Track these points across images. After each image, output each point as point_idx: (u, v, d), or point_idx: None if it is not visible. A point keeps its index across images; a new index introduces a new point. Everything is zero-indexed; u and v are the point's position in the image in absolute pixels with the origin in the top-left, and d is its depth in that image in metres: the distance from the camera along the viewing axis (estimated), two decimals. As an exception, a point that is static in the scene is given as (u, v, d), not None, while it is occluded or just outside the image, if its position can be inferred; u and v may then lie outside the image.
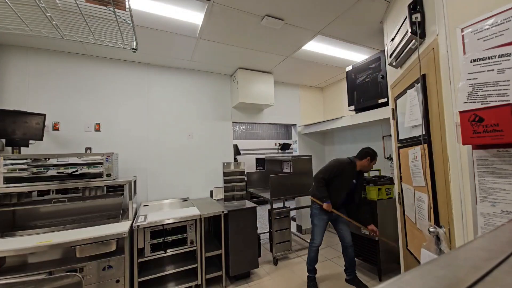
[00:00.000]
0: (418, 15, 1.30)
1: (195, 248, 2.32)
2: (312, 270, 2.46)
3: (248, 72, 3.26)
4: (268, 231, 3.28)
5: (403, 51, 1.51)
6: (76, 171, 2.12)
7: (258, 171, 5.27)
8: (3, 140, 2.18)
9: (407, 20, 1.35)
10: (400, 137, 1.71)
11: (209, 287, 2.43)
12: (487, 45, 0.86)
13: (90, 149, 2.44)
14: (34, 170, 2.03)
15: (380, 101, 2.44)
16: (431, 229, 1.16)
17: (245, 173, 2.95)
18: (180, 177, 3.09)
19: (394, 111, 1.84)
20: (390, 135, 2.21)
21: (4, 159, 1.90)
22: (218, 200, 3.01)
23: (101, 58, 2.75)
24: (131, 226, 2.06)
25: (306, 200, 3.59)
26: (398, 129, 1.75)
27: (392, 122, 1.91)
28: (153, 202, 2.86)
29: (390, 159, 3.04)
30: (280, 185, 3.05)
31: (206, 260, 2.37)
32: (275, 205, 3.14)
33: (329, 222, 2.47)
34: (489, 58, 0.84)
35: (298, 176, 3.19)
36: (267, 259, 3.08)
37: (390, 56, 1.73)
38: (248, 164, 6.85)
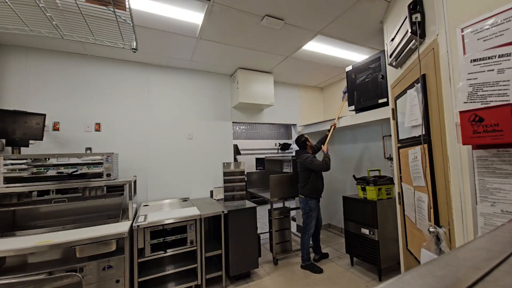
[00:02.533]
0: (418, 15, 1.30)
1: (195, 248, 2.32)
2: (309, 257, 2.84)
3: (248, 72, 3.26)
4: (268, 231, 3.28)
5: (403, 51, 1.51)
6: (76, 171, 2.12)
7: (258, 171, 5.27)
8: (3, 140, 2.18)
9: (407, 20, 1.35)
10: (400, 137, 1.71)
11: (209, 287, 2.43)
12: (487, 45, 0.86)
13: (90, 149, 2.44)
14: (34, 170, 2.03)
15: (380, 101, 2.44)
16: (431, 229, 1.16)
17: (245, 173, 2.95)
18: (180, 177, 3.09)
19: (394, 111, 1.84)
20: (390, 135, 2.22)
21: (4, 159, 1.90)
22: (218, 200, 3.01)
23: (101, 58, 2.75)
24: (131, 226, 2.06)
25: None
26: (398, 129, 1.75)
27: (392, 122, 1.91)
28: (153, 202, 2.86)
29: (390, 159, 3.04)
30: (280, 185, 3.05)
31: (206, 260, 2.37)
32: (275, 205, 3.14)
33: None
34: (489, 58, 0.84)
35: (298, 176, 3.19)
36: (267, 259, 3.08)
37: (390, 56, 1.73)
38: (248, 164, 6.85)
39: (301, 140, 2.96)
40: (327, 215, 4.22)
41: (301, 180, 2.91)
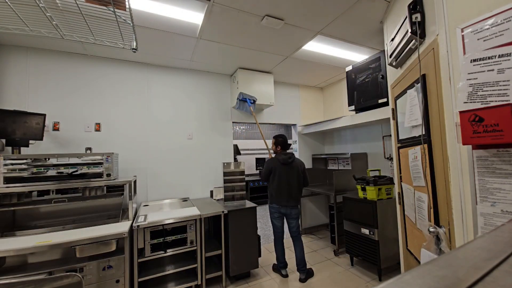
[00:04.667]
0: (418, 15, 1.30)
1: (195, 248, 2.32)
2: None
3: (248, 72, 3.26)
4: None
5: (403, 51, 1.51)
6: (76, 171, 2.12)
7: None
8: (3, 140, 2.18)
9: (407, 20, 1.35)
10: (400, 137, 1.71)
11: (209, 287, 2.43)
12: (487, 45, 0.86)
13: (90, 149, 2.44)
14: (34, 170, 2.03)
15: (380, 101, 2.44)
16: (431, 229, 1.16)
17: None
18: (180, 177, 3.09)
19: (394, 111, 1.84)
20: (390, 135, 2.22)
21: (4, 159, 1.90)
22: (218, 200, 3.01)
23: (101, 58, 2.75)
24: (131, 226, 2.06)
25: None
26: (398, 129, 1.75)
27: (392, 122, 1.91)
28: (153, 202, 2.86)
29: (390, 159, 3.04)
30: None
31: (206, 260, 2.37)
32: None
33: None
34: (489, 58, 0.84)
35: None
36: (267, 259, 3.08)
37: (390, 56, 1.72)
38: (248, 164, 6.84)
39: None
40: (326, 214, 4.22)
41: (298, 189, 2.74)
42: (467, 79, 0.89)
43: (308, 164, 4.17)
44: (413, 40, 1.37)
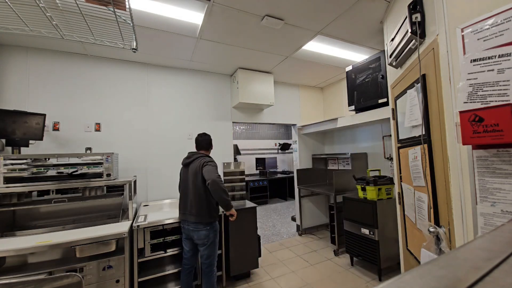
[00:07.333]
0: (418, 15, 1.30)
1: (195, 248, 2.31)
2: None
3: (248, 72, 3.26)
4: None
5: (403, 51, 1.51)
6: (76, 171, 2.12)
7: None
8: (3, 140, 2.18)
9: (407, 20, 1.35)
10: (400, 137, 1.71)
11: (209, 287, 2.43)
12: (487, 45, 0.86)
13: (90, 149, 2.44)
14: (34, 170, 2.03)
15: (380, 101, 2.44)
16: (431, 229, 1.16)
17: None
18: (180, 177, 3.08)
19: (394, 111, 1.84)
20: (390, 135, 2.22)
21: (4, 159, 1.90)
22: (218, 200, 3.01)
23: (101, 58, 2.75)
24: (131, 226, 2.06)
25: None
26: (398, 129, 1.75)
27: (392, 122, 1.91)
28: (153, 202, 2.86)
29: (390, 159, 3.04)
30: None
31: (206, 260, 2.37)
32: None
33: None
34: (489, 58, 0.84)
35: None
36: (267, 259, 3.08)
37: (390, 56, 1.72)
38: (248, 164, 6.85)
39: (207, 138, 2.21)
40: (326, 214, 4.22)
41: (197, 199, 1.96)
42: (467, 79, 0.89)
43: (308, 164, 4.17)
44: (413, 40, 1.37)
